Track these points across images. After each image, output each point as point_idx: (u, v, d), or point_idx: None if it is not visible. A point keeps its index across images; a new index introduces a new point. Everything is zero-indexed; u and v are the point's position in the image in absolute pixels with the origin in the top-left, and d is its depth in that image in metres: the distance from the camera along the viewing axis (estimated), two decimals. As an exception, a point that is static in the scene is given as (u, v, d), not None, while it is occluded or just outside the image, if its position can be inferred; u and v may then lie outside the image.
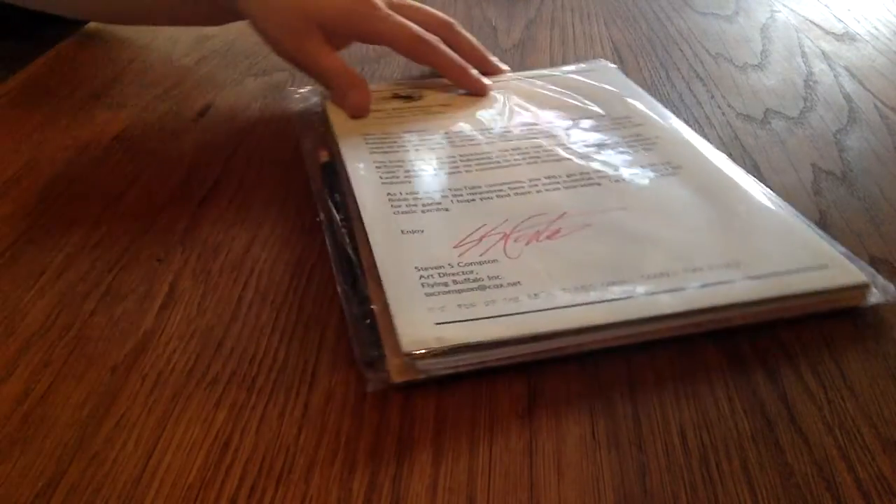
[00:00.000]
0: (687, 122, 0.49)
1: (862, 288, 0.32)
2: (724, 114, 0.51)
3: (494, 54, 0.60)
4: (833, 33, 0.66)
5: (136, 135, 0.47)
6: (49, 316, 0.32)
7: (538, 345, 0.30)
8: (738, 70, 0.58)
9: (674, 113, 0.51)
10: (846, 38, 0.65)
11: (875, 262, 0.36)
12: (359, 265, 0.34)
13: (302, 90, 0.50)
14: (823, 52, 0.61)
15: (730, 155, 0.45)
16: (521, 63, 0.58)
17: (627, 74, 0.57)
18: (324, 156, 0.42)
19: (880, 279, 0.33)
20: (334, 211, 0.37)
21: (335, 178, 0.41)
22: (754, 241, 0.35)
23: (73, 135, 0.47)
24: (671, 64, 0.59)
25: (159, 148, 0.45)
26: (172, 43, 0.61)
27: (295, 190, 0.42)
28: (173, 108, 0.50)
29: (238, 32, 0.62)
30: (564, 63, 0.57)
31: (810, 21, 0.68)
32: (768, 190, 0.39)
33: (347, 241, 0.35)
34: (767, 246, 0.34)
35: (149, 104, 0.51)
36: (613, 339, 0.31)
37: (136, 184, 0.42)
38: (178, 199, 0.41)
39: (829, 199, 0.41)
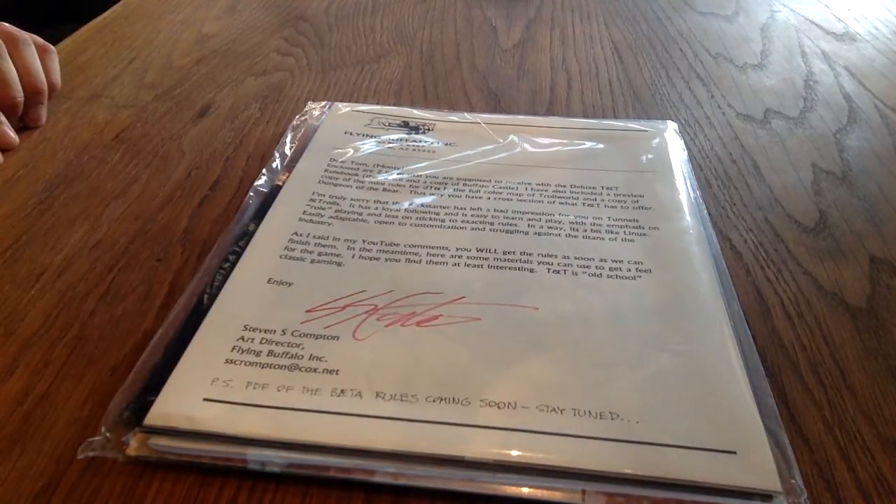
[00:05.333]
0: (686, 121, 0.49)
1: (766, 498, 0.24)
2: (724, 114, 0.51)
3: (495, 54, 0.59)
4: (833, 33, 0.66)
5: (136, 135, 0.47)
6: (49, 316, 0.32)
7: (308, 457, 0.24)
8: (738, 70, 0.58)
9: (673, 113, 0.51)
10: (846, 38, 0.65)
11: (875, 263, 0.36)
12: (209, 304, 0.31)
13: (321, 103, 0.48)
14: (823, 52, 0.61)
15: (730, 155, 0.45)
16: (520, 63, 0.58)
17: (628, 75, 0.57)
18: (281, 179, 0.40)
19: (797, 482, 0.24)
20: (237, 243, 0.35)
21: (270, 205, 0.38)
22: (662, 390, 0.27)
23: (73, 135, 0.47)
24: (671, 64, 0.59)
25: (159, 148, 0.45)
26: (172, 43, 0.61)
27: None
28: (173, 108, 0.50)
29: (238, 32, 0.62)
30: (631, 113, 0.50)
31: (810, 21, 0.68)
32: (748, 334, 0.30)
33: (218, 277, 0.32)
34: (676, 403, 0.26)
35: (149, 104, 0.51)
36: (411, 477, 0.24)
37: (136, 184, 0.42)
38: (178, 199, 0.41)
39: (829, 199, 0.41)
